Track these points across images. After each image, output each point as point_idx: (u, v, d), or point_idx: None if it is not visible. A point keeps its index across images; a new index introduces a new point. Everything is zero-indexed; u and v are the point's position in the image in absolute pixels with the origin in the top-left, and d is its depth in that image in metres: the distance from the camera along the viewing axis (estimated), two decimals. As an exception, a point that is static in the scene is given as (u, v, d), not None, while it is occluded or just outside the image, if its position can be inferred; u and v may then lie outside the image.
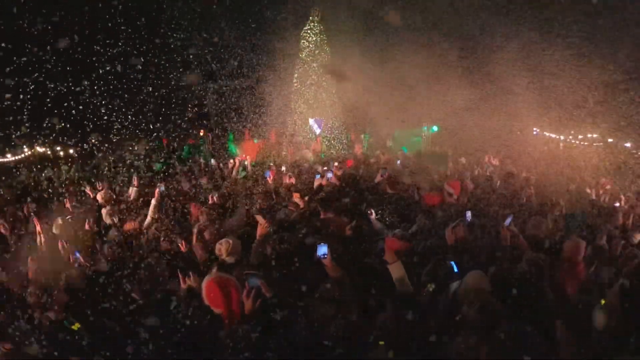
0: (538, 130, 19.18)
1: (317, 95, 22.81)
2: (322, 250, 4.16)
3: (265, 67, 28.01)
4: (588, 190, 9.09)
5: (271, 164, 13.34)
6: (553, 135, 18.99)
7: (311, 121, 22.70)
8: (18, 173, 15.10)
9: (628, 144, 12.42)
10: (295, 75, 23.32)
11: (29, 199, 9.63)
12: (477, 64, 19.73)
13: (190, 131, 28.90)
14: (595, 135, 16.09)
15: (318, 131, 22.57)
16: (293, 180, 9.49)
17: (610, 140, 14.04)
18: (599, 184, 9.91)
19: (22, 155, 21.08)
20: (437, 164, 11.73)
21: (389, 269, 3.93)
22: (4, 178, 14.48)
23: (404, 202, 7.29)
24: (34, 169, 15.74)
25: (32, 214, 6.76)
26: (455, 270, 4.14)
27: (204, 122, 31.10)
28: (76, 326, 3.70)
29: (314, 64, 22.68)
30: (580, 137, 17.45)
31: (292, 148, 21.52)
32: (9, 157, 20.04)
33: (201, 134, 28.13)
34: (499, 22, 17.97)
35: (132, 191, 9.55)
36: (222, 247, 5.31)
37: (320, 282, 4.12)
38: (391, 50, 22.98)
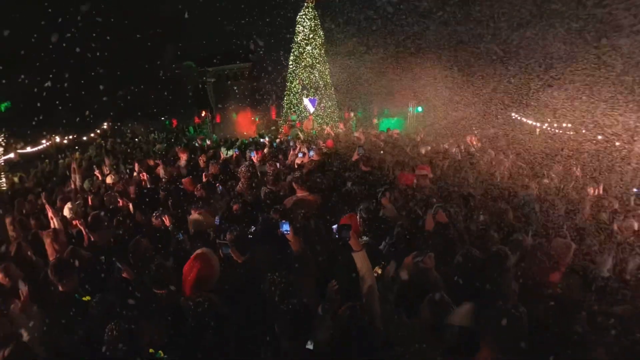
0: (517, 116, 18.89)
1: (311, 76, 22.53)
2: (285, 227, 4.08)
3: (263, 51, 28.05)
4: (553, 175, 8.78)
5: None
6: (530, 122, 18.73)
7: (305, 100, 22.52)
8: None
9: (600, 137, 12.03)
10: (291, 57, 23.11)
11: (40, 190, 9.58)
12: (462, 50, 19.37)
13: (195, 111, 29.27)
14: (569, 125, 15.75)
15: (312, 110, 22.40)
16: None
17: (583, 131, 13.66)
18: (570, 172, 9.57)
19: (41, 147, 21.22)
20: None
21: (353, 256, 3.57)
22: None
23: (378, 181, 6.98)
24: (51, 159, 15.61)
25: (44, 201, 6.56)
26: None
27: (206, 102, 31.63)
28: (87, 298, 3.84)
29: (308, 47, 22.43)
30: (555, 125, 17.13)
31: (287, 126, 21.46)
32: (29, 149, 20.04)
33: (203, 114, 28.17)
34: (487, 12, 17.51)
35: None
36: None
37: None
38: (381, 34, 22.78)
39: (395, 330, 3.21)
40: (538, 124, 18.31)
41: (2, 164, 15.36)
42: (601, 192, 7.56)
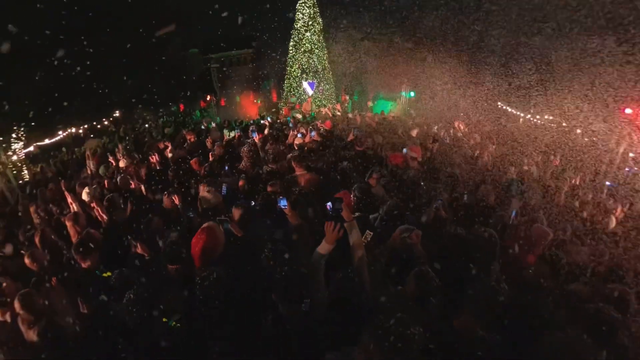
0: (502, 104, 18.92)
1: (310, 61, 22.53)
2: (282, 202, 4.16)
3: (264, 38, 27.94)
4: (532, 163, 8.86)
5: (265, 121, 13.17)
6: (514, 111, 18.77)
7: (304, 83, 22.56)
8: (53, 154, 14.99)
9: (579, 131, 12.01)
10: (291, 43, 23.07)
11: (59, 178, 9.50)
12: (455, 42, 19.31)
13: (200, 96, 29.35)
14: (551, 117, 15.79)
15: (310, 92, 22.45)
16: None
17: (564, 124, 13.66)
18: (548, 160, 9.64)
19: (58, 138, 21.36)
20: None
21: (345, 226, 3.58)
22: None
23: (371, 160, 7.10)
24: (68, 149, 15.69)
25: (64, 188, 6.62)
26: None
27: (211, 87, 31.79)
28: (107, 274, 3.97)
29: (307, 34, 22.40)
30: (538, 116, 17.18)
31: (287, 107, 21.49)
32: (47, 141, 20.15)
33: (208, 98, 28.16)
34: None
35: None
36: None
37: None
38: (377, 22, 22.77)
39: (382, 297, 3.28)
40: (521, 114, 18.36)
41: (24, 157, 15.53)
42: (578, 182, 7.69)
